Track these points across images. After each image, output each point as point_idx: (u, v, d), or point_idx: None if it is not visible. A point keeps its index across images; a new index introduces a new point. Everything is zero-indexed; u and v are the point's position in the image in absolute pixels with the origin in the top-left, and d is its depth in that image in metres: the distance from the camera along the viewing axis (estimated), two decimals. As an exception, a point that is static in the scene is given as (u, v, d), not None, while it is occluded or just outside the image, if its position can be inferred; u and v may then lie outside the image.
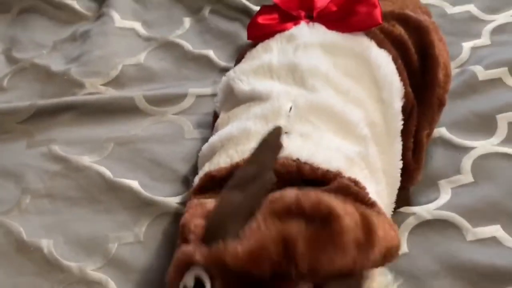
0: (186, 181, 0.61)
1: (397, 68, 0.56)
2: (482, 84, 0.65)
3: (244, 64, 0.58)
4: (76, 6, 0.81)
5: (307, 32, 0.57)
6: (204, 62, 0.73)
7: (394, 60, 0.57)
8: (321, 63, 0.54)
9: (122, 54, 0.74)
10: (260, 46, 0.58)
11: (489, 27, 0.72)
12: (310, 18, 0.59)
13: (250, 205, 0.37)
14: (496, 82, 0.65)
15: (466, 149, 0.60)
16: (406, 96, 0.55)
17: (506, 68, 0.65)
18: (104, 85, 0.71)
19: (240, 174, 0.40)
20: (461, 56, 0.69)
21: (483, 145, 0.60)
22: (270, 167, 0.40)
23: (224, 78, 0.60)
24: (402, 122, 0.55)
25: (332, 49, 0.55)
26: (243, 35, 0.76)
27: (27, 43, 0.78)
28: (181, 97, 0.69)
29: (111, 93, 0.70)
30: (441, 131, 0.62)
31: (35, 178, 0.62)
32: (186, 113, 0.68)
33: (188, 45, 0.75)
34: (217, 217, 0.37)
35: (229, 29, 0.76)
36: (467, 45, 0.70)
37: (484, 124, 0.62)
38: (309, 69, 0.53)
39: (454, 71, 0.67)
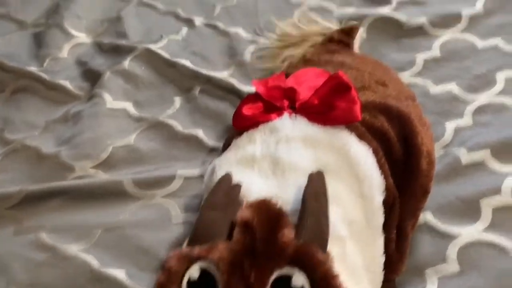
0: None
1: (378, 161, 0.57)
2: (466, 168, 0.65)
3: (229, 153, 0.59)
4: (69, 86, 0.83)
5: (289, 125, 0.58)
6: (193, 142, 0.75)
7: (375, 153, 0.57)
8: (301, 158, 0.55)
9: (113, 135, 0.75)
10: (245, 136, 0.59)
11: (471, 107, 0.73)
12: (293, 109, 0.60)
13: (229, 217, 0.45)
14: (479, 165, 0.65)
15: (452, 237, 0.60)
16: (387, 189, 0.56)
17: (488, 151, 0.66)
18: (93, 167, 0.72)
19: (212, 198, 0.49)
20: (444, 137, 0.70)
21: (468, 232, 0.60)
22: (237, 196, 0.49)
23: (210, 166, 0.61)
24: (383, 216, 0.55)
25: (313, 143, 0.56)
26: (231, 115, 0.77)
27: (19, 123, 0.79)
28: (169, 179, 0.70)
29: (100, 176, 0.71)
30: (426, 216, 0.62)
31: (21, 268, 0.61)
32: (174, 196, 0.68)
33: (178, 125, 0.76)
34: (201, 229, 0.44)
35: (218, 109, 0.78)
36: (450, 126, 0.71)
37: (469, 209, 0.62)
38: (289, 163, 0.54)
39: (438, 152, 0.67)
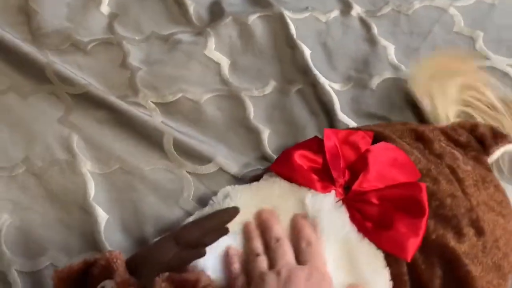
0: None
1: None
2: None
3: (254, 192, 0.52)
4: (191, 11, 0.77)
5: (325, 209, 0.48)
6: (253, 137, 0.66)
7: None
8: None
9: (191, 83, 0.69)
10: (277, 188, 0.51)
11: None
12: (346, 189, 0.50)
13: (173, 263, 0.45)
14: None
15: None
16: None
17: None
18: (154, 103, 0.68)
19: (185, 232, 0.48)
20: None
21: None
22: (208, 243, 0.47)
23: (228, 188, 0.54)
24: None
25: (339, 248, 0.46)
26: (308, 134, 0.66)
27: (132, 23, 0.76)
28: (206, 160, 0.63)
29: (155, 115, 0.67)
30: None
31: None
32: (198, 179, 0.62)
33: (252, 111, 0.68)
34: (147, 254, 0.46)
35: (302, 114, 0.67)
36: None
37: None
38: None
39: None
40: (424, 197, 0.47)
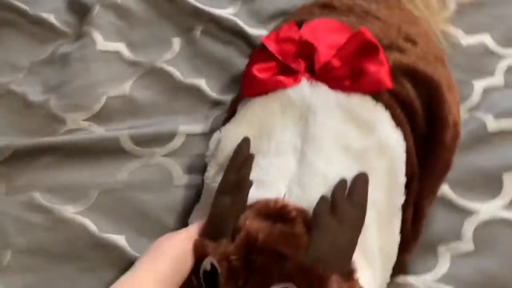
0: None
1: (404, 134, 0.52)
2: (491, 136, 0.61)
3: (239, 124, 0.53)
4: (54, 21, 0.74)
5: (308, 94, 0.52)
6: (195, 93, 0.68)
7: (401, 125, 0.52)
8: (324, 135, 0.49)
9: (106, 83, 0.68)
10: (258, 106, 0.53)
11: (504, 64, 0.66)
12: (311, 72, 0.54)
13: (237, 208, 0.47)
14: (506, 134, 0.61)
15: (468, 213, 0.57)
16: (410, 165, 0.52)
17: (519, 119, 0.62)
18: (86, 120, 0.66)
19: (224, 182, 0.50)
20: (471, 99, 0.64)
21: (486, 209, 0.57)
22: (248, 175, 0.49)
23: (216, 135, 0.56)
24: (404, 197, 0.51)
25: (336, 116, 0.51)
26: (237, 62, 0.70)
27: (1, 64, 0.71)
28: (170, 136, 0.64)
29: (94, 130, 0.65)
30: (443, 189, 0.58)
31: (16, 231, 0.58)
32: (176, 155, 0.63)
33: (177, 73, 0.69)
34: (214, 218, 0.48)
35: (222, 54, 0.70)
36: (478, 85, 0.65)
37: (489, 184, 0.58)
38: (310, 142, 0.49)
39: (463, 115, 0.62)
40: (371, 36, 0.54)
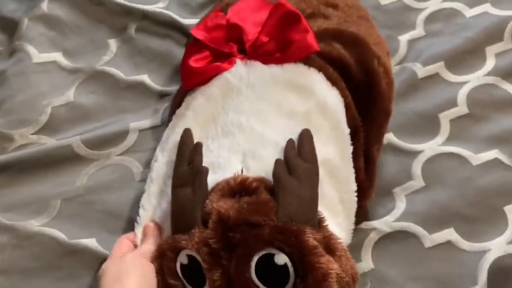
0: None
1: (341, 91, 0.56)
2: (422, 81, 0.66)
3: (185, 116, 0.55)
4: (-17, 40, 0.73)
5: (244, 74, 0.54)
6: (140, 89, 0.69)
7: (336, 83, 0.56)
8: (266, 107, 0.52)
9: (48, 93, 0.68)
10: (199, 94, 0.55)
11: (422, 16, 0.71)
12: (243, 52, 0.56)
13: (199, 196, 0.48)
14: (435, 78, 0.66)
15: (414, 154, 0.61)
16: (350, 118, 0.55)
17: (442, 63, 0.66)
18: (35, 133, 0.65)
19: (178, 176, 0.51)
20: (399, 52, 0.69)
21: (429, 147, 0.62)
22: (201, 162, 0.51)
23: (166, 131, 0.57)
24: (351, 147, 0.55)
25: (276, 88, 0.53)
26: (176, 53, 0.71)
27: None
28: (122, 134, 0.65)
29: (45, 141, 0.65)
30: (389, 137, 0.62)
31: (-18, 255, 0.58)
32: (132, 151, 0.64)
33: (118, 73, 0.70)
34: (178, 212, 0.48)
35: (161, 48, 0.71)
36: (403, 39, 0.70)
37: (428, 125, 0.63)
38: (254, 116, 0.52)
39: (394, 68, 0.67)
40: (290, 6, 0.57)
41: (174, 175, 0.51)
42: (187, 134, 0.54)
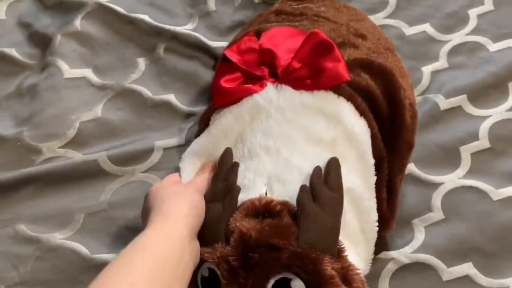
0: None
1: (368, 121, 0.57)
2: (444, 113, 0.66)
3: (214, 136, 0.56)
4: (16, 54, 0.75)
5: (275, 97, 0.55)
6: (166, 108, 0.70)
7: (364, 113, 0.57)
8: (294, 132, 0.53)
9: (77, 109, 0.69)
10: (228, 114, 0.56)
11: (446, 48, 0.72)
12: (274, 76, 0.57)
13: (228, 213, 0.50)
14: (457, 110, 0.67)
15: (435, 185, 0.62)
16: (377, 149, 0.56)
17: (465, 96, 0.67)
18: (62, 147, 0.67)
19: (213, 192, 0.53)
20: (422, 83, 0.69)
21: (450, 179, 0.62)
22: (235, 181, 0.52)
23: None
24: (375, 177, 0.56)
25: (303, 113, 0.54)
26: (203, 75, 0.73)
27: (-33, 102, 0.71)
28: (147, 152, 0.66)
29: (71, 155, 0.67)
30: (410, 167, 0.63)
31: (7, 266, 0.59)
32: (156, 169, 0.65)
33: (146, 91, 0.71)
34: (207, 225, 0.50)
35: (188, 69, 0.73)
36: (426, 70, 0.71)
37: (449, 157, 0.64)
38: (282, 141, 0.53)
39: (416, 99, 0.68)
40: (324, 35, 0.58)
41: (210, 191, 0.53)
42: (227, 153, 0.55)
